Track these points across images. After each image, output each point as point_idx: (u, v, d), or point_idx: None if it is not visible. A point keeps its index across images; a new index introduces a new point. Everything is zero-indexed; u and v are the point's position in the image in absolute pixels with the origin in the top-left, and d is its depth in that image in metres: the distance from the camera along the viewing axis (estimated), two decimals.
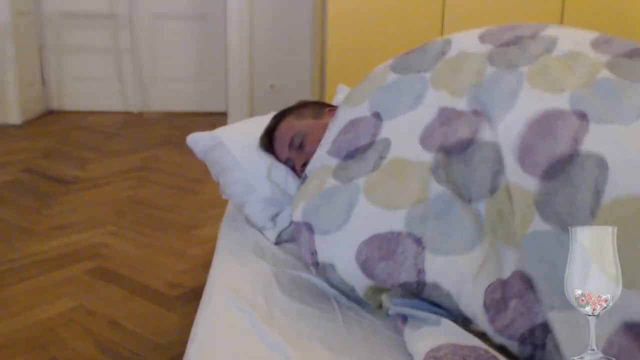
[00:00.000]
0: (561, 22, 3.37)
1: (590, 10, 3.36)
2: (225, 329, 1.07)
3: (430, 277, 1.02)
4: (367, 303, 1.15)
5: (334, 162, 1.25)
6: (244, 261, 1.33)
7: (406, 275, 1.03)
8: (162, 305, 1.93)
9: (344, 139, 1.27)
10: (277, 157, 1.60)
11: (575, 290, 0.73)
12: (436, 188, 1.08)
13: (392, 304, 1.07)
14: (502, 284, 0.95)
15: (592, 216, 0.91)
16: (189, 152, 1.75)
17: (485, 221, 1.03)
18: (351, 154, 1.24)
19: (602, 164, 0.95)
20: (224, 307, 1.13)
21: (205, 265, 2.13)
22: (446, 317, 1.01)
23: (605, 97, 1.05)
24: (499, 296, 0.94)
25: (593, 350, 0.74)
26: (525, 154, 1.03)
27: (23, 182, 3.07)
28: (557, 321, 0.86)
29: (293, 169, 1.55)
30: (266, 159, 1.58)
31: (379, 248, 1.07)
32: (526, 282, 0.93)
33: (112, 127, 4.23)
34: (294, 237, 1.29)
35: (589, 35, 1.24)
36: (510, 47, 1.25)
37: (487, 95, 1.17)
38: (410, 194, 1.09)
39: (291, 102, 1.74)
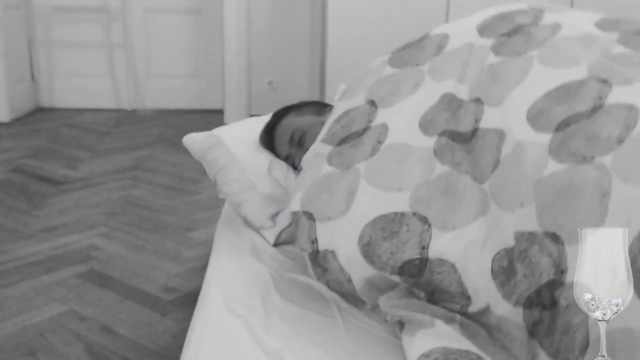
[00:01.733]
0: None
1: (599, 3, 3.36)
2: (221, 334, 1.07)
3: (434, 253, 1.04)
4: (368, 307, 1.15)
5: (327, 149, 1.27)
6: (241, 264, 1.34)
7: (409, 253, 1.06)
8: (156, 310, 1.93)
9: (337, 127, 1.29)
10: (277, 154, 1.61)
11: (584, 294, 0.72)
12: (440, 168, 1.11)
13: (389, 306, 1.07)
14: (507, 252, 0.97)
15: (619, 143, 0.94)
16: (184, 151, 1.75)
17: (489, 195, 1.05)
18: (344, 139, 1.26)
19: (632, 108, 0.97)
20: (220, 311, 1.13)
21: (200, 269, 2.14)
22: (440, 316, 1.02)
23: (625, 65, 1.07)
24: (506, 263, 0.96)
25: (603, 356, 0.74)
26: (537, 117, 1.05)
27: (11, 182, 3.07)
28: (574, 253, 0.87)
29: (293, 165, 1.56)
30: (266, 156, 1.60)
31: (383, 229, 1.09)
32: (525, 240, 0.95)
33: (104, 125, 4.23)
34: (293, 238, 1.29)
35: (592, 17, 1.26)
36: (513, 37, 1.26)
37: (491, 81, 1.18)
38: (414, 176, 1.12)
39: (290, 99, 1.75)
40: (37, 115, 4.46)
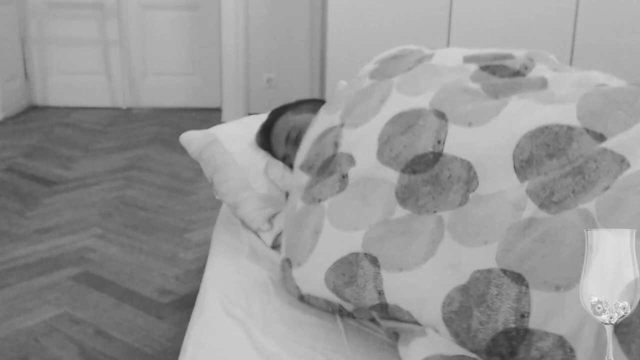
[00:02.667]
0: (574, 27, 3.36)
1: (602, 27, 3.35)
2: (219, 338, 1.07)
3: (390, 299, 1.03)
4: None
5: (304, 179, 1.27)
6: (239, 266, 1.33)
7: (370, 299, 1.05)
8: (152, 313, 1.93)
9: (313, 153, 1.28)
10: (274, 154, 1.62)
11: (591, 297, 0.72)
12: (400, 212, 1.09)
13: (380, 319, 1.08)
14: (460, 290, 0.95)
15: (604, 190, 0.92)
16: (181, 150, 1.75)
17: (446, 226, 1.03)
18: (319, 170, 1.25)
19: (623, 161, 0.95)
20: (218, 315, 1.13)
21: (197, 271, 2.14)
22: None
23: (619, 106, 1.03)
24: (457, 306, 0.94)
25: None
26: (527, 167, 1.02)
27: (4, 183, 3.07)
28: (543, 300, 0.86)
29: (291, 166, 1.57)
30: (263, 156, 1.60)
31: (343, 274, 1.08)
32: (483, 279, 0.93)
33: (99, 124, 4.23)
34: None
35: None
36: (497, 75, 1.24)
37: (463, 95, 1.15)
38: (372, 216, 1.10)
39: (289, 97, 1.75)
40: (30, 114, 4.46)
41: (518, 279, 0.90)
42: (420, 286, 1.00)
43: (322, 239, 1.13)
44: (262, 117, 1.77)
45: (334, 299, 1.12)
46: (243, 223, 1.54)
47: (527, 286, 0.89)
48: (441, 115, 1.12)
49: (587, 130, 1.01)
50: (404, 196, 1.09)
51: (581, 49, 3.38)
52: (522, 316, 0.88)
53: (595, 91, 1.08)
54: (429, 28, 3.39)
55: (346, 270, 1.08)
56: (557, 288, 0.87)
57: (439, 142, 1.09)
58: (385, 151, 1.14)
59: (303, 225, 1.18)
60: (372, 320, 1.14)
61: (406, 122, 1.15)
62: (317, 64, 4.30)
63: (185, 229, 2.57)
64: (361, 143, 1.19)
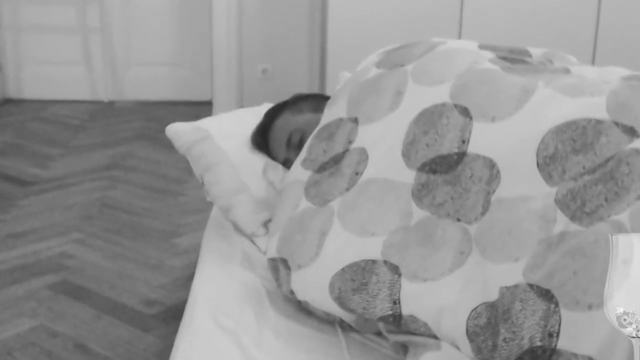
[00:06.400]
0: (597, 18, 3.36)
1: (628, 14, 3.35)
2: (209, 353, 1.07)
3: (406, 308, 1.03)
4: None
5: (305, 175, 1.27)
6: (231, 274, 1.34)
7: (381, 308, 1.05)
8: (136, 326, 1.93)
9: (319, 148, 1.29)
10: (273, 157, 1.61)
11: (616, 308, 0.72)
12: (418, 213, 1.10)
13: (388, 332, 1.08)
14: (489, 307, 0.95)
15: (637, 199, 0.92)
16: (168, 147, 1.75)
17: (473, 239, 1.03)
18: (324, 166, 1.25)
19: None
20: (208, 327, 1.13)
21: (186, 279, 2.13)
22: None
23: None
24: (484, 321, 0.95)
25: None
26: (551, 165, 1.02)
27: None
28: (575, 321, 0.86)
29: None
30: (262, 156, 1.60)
31: (352, 280, 1.08)
32: (510, 298, 0.93)
33: (79, 119, 4.23)
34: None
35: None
36: (516, 64, 1.25)
37: (481, 84, 1.16)
38: (389, 222, 1.11)
39: (286, 89, 1.74)
40: (4, 108, 4.46)
41: (546, 295, 0.91)
42: (444, 296, 1.00)
43: (331, 242, 1.14)
44: (257, 110, 1.76)
45: (336, 310, 1.12)
46: (236, 227, 1.54)
47: (556, 304, 0.90)
48: (465, 112, 1.14)
49: (617, 124, 1.01)
50: (420, 194, 1.11)
51: (604, 43, 3.38)
52: (550, 335, 0.89)
53: (626, 84, 1.09)
54: (438, 12, 3.38)
55: (356, 276, 1.08)
56: (590, 307, 0.87)
57: (463, 141, 1.11)
58: (411, 153, 1.15)
59: (308, 227, 1.18)
60: (377, 333, 1.14)
61: (429, 120, 1.16)
62: (317, 54, 4.30)
63: (172, 233, 2.57)
64: (380, 140, 1.20)
